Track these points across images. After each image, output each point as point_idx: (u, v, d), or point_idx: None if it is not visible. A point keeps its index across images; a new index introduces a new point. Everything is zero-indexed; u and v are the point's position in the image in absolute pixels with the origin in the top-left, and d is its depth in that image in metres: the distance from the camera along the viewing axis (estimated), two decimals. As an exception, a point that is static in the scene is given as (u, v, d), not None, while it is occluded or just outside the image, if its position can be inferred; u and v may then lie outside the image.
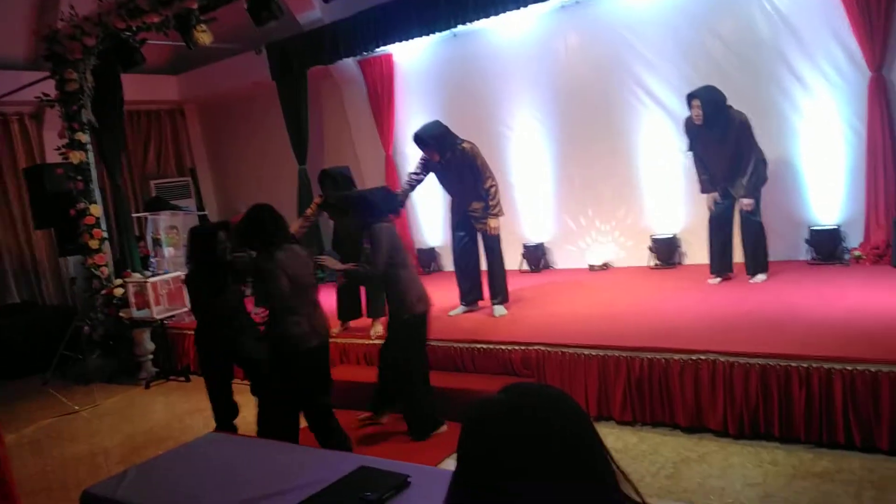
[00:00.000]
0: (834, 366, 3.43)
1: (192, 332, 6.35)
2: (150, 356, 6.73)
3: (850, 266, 5.42)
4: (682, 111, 5.49)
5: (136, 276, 6.75)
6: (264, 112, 8.90)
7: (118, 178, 7.50)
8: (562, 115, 6.88)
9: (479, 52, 7.16)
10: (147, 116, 9.79)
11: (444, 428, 4.19)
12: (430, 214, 7.88)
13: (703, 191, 5.45)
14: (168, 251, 7.02)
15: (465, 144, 5.15)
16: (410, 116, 7.63)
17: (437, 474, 2.37)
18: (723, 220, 5.40)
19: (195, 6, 5.81)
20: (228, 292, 4.21)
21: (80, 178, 6.87)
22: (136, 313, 6.55)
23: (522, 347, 4.54)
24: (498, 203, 5.23)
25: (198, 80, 9.25)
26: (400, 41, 6.65)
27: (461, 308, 5.59)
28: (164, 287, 6.56)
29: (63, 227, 7.06)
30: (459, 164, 5.17)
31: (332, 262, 4.16)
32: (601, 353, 4.19)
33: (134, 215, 7.93)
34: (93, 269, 6.94)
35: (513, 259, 6.76)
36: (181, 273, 6.61)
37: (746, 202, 5.15)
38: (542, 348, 4.45)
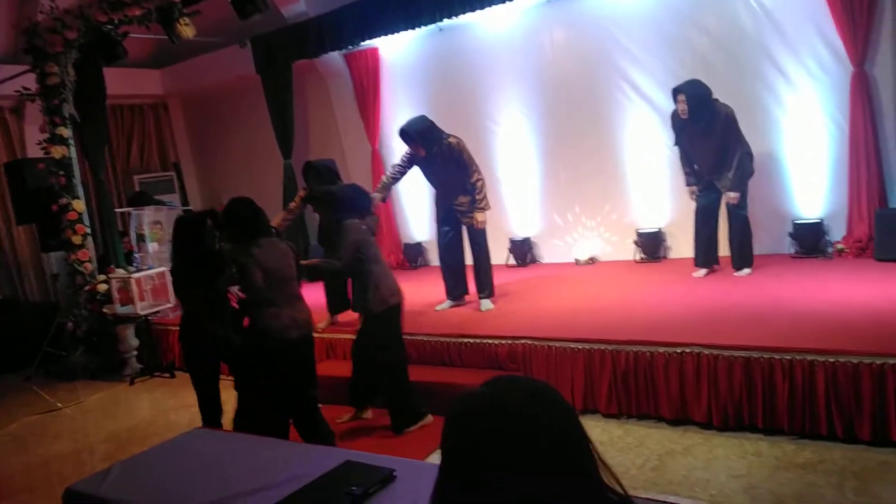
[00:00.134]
0: (817, 358, 3.47)
1: (177, 328, 6.36)
2: (135, 352, 6.68)
3: (833, 259, 5.47)
4: (668, 106, 5.52)
5: (120, 272, 6.69)
6: (249, 106, 8.84)
7: (101, 173, 7.42)
8: (548, 110, 6.88)
9: (465, 46, 7.15)
10: (130, 111, 9.70)
11: (429, 419, 4.21)
12: (416, 209, 7.87)
13: (688, 184, 5.50)
14: (152, 246, 6.97)
15: (451, 139, 5.14)
16: (397, 110, 7.61)
17: (422, 468, 2.36)
18: (709, 213, 5.43)
19: (178, -1, 5.77)
20: (218, 282, 4.01)
21: (62, 173, 6.79)
22: (120, 309, 6.49)
23: (509, 341, 4.55)
24: (484, 197, 5.23)
25: (181, 73, 9.16)
26: (385, 35, 6.64)
27: (448, 303, 5.59)
28: (148, 283, 6.50)
29: (45, 223, 6.98)
30: (445, 159, 5.16)
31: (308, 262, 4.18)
32: (587, 346, 4.20)
33: (117, 210, 7.87)
34: (76, 265, 6.87)
35: (499, 254, 6.77)
36: (165, 268, 6.56)
37: (732, 195, 5.18)
38: (529, 342, 4.46)
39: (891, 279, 4.57)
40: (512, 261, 7.14)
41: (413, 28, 6.42)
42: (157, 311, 6.59)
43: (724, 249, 5.56)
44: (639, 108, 6.35)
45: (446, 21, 6.32)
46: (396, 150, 7.16)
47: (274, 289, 3.58)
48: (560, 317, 4.85)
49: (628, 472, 3.43)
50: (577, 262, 6.77)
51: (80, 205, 6.88)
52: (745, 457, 3.44)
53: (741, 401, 3.67)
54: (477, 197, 5.20)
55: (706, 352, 3.78)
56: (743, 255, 5.35)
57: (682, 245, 6.16)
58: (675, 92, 5.20)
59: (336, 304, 5.58)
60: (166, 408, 5.56)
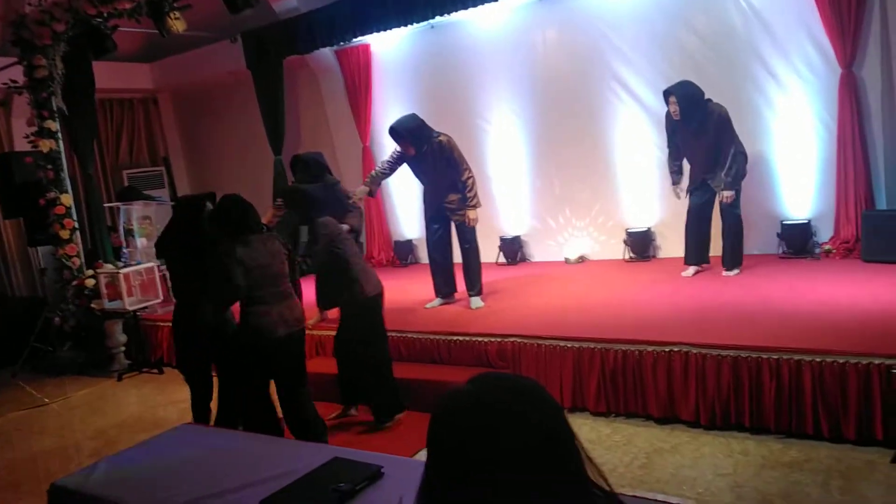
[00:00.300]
0: (803, 357, 3.49)
1: (166, 325, 6.33)
2: (123, 348, 6.64)
3: (821, 260, 5.51)
4: (658, 105, 5.53)
5: (108, 267, 6.65)
6: (240, 102, 8.79)
7: (90, 167, 7.38)
8: (539, 108, 6.89)
9: (457, 43, 7.14)
10: (120, 105, 9.62)
11: (402, 413, 4.25)
12: (406, 206, 7.86)
13: (673, 183, 5.55)
14: (141, 242, 6.92)
15: (441, 137, 5.14)
16: (388, 107, 7.60)
17: (410, 465, 2.36)
18: (703, 212, 5.45)
19: (168, -7, 5.73)
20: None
21: (50, 166, 6.74)
22: (108, 304, 6.46)
23: (498, 339, 4.55)
24: (475, 195, 5.23)
25: (172, 68, 9.11)
26: (377, 31, 6.61)
27: (437, 300, 5.59)
28: (136, 278, 6.47)
29: (33, 217, 6.93)
30: (436, 157, 5.15)
31: None
32: (576, 345, 4.21)
33: (106, 205, 7.81)
34: (63, 260, 6.83)
35: (489, 252, 6.78)
36: (154, 263, 6.53)
37: (727, 194, 5.20)
38: (518, 340, 4.47)
39: (877, 280, 4.60)
40: (502, 259, 7.15)
41: (405, 25, 6.41)
42: (146, 307, 6.56)
43: (714, 249, 5.58)
44: (629, 107, 6.37)
45: (438, 18, 6.31)
46: (387, 147, 7.12)
47: (263, 286, 3.56)
48: (549, 315, 4.86)
49: (616, 469, 3.44)
50: (567, 261, 6.78)
51: (67, 199, 6.83)
52: (732, 455, 3.46)
53: (728, 400, 3.69)
54: (468, 195, 5.20)
55: (694, 351, 3.80)
56: (734, 255, 5.38)
57: (671, 244, 6.18)
58: (667, 94, 5.23)
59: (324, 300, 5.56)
60: (154, 404, 5.53)
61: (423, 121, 5.18)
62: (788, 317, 4.09)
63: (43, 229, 6.88)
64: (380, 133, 7.62)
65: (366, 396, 4.30)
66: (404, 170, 5.42)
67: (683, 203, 5.56)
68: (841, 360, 3.40)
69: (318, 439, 3.65)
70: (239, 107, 8.92)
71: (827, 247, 5.55)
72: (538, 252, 7.17)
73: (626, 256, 6.48)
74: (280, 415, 3.80)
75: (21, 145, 7.36)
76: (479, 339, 4.64)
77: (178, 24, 5.91)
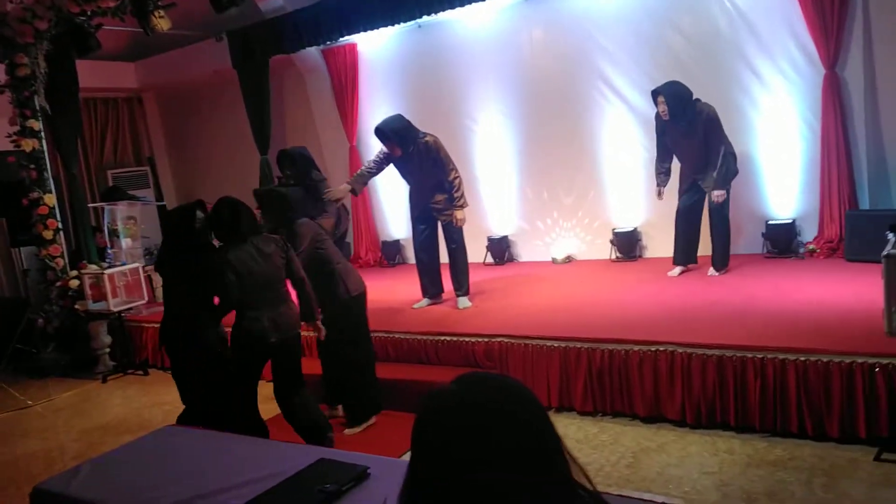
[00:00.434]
0: (788, 357, 3.51)
1: (150, 325, 6.29)
2: (107, 349, 6.58)
3: (805, 259, 5.56)
4: (644, 105, 5.55)
5: (93, 268, 6.58)
6: (225, 101, 8.74)
7: (74, 166, 7.30)
8: (526, 108, 6.90)
9: (444, 43, 7.14)
10: (104, 104, 9.53)
11: (373, 420, 4.25)
12: (394, 206, 7.84)
13: (658, 184, 5.56)
14: (125, 242, 6.87)
15: (427, 138, 5.13)
16: (375, 107, 7.58)
17: (397, 466, 2.36)
18: (692, 213, 5.48)
19: (153, -9, 5.69)
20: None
21: (32, 166, 6.67)
22: (93, 306, 6.39)
23: (486, 339, 4.55)
24: (462, 195, 5.23)
25: (156, 67, 9.03)
26: (364, 31, 6.59)
27: (425, 301, 5.58)
28: (121, 279, 6.41)
29: (15, 217, 6.87)
30: (422, 158, 5.15)
31: None
32: (563, 344, 4.22)
33: (90, 205, 7.74)
34: (47, 261, 6.75)
35: (477, 252, 6.78)
36: (139, 264, 6.48)
37: (717, 194, 5.22)
38: (506, 340, 4.47)
39: (860, 279, 4.64)
40: (490, 259, 7.15)
41: (392, 24, 6.39)
42: (131, 308, 6.50)
43: (701, 249, 5.61)
44: (615, 107, 6.39)
45: (425, 18, 6.30)
46: (374, 146, 7.08)
47: (253, 292, 3.51)
48: (536, 315, 4.87)
49: (603, 468, 3.45)
50: (555, 261, 6.80)
51: (51, 199, 6.76)
52: (718, 454, 3.48)
53: (714, 399, 3.71)
54: (455, 195, 5.20)
55: (680, 350, 3.81)
56: (722, 255, 5.41)
57: (658, 244, 6.21)
58: (655, 94, 5.25)
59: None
60: (139, 405, 5.49)
61: (409, 121, 5.17)
62: (773, 316, 4.12)
63: (26, 229, 6.82)
64: (366, 133, 7.59)
65: (348, 396, 4.28)
66: (391, 170, 5.41)
67: (670, 203, 5.59)
68: (825, 359, 3.42)
69: (327, 442, 3.64)
70: (225, 106, 8.87)
71: (811, 246, 5.60)
72: (525, 252, 7.18)
73: (613, 256, 6.50)
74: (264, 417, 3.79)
75: (3, 144, 7.26)
76: (467, 339, 4.64)
77: (162, 23, 5.87)
